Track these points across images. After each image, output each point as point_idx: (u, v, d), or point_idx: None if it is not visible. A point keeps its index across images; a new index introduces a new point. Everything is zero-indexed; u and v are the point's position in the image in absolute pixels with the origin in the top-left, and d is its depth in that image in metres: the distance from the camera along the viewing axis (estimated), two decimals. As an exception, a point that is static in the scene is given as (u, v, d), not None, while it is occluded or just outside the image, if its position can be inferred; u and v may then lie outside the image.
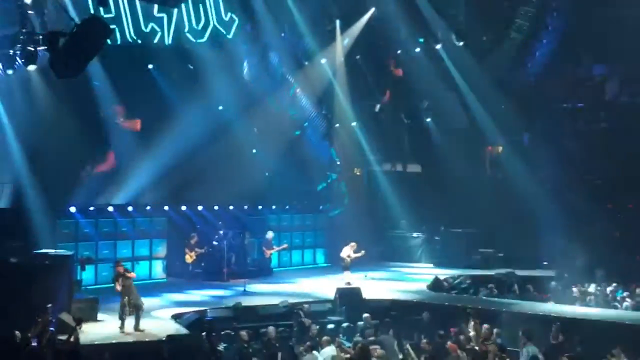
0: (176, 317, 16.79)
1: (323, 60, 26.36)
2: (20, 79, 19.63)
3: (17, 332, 12.30)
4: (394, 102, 27.90)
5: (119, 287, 15.43)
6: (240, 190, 24.37)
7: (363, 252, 21.42)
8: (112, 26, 17.67)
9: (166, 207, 23.47)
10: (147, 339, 14.85)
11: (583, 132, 27.51)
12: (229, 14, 23.56)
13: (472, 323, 15.37)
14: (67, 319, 14.54)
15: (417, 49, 26.08)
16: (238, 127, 24.42)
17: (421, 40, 25.94)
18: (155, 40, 22.33)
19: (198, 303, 18.96)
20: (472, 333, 15.14)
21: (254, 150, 25.81)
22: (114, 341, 14.56)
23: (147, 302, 16.39)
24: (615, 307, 18.73)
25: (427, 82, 26.86)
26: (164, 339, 14.51)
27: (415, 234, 27.73)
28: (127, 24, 21.66)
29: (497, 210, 25.70)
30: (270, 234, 24.47)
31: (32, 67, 17.79)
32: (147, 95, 22.71)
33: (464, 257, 25.75)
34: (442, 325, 15.89)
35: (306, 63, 26.25)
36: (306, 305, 17.76)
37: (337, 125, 28.05)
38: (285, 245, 25.34)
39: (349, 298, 18.78)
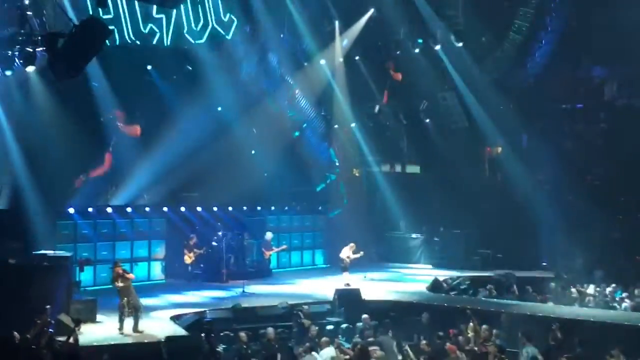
0: (175, 318, 16.75)
1: (322, 61, 26.36)
2: (19, 79, 19.61)
3: (15, 333, 12.26)
4: (393, 103, 27.86)
5: (119, 284, 15.41)
6: (239, 191, 24.33)
7: (362, 253, 21.39)
8: (111, 27, 17.69)
9: (165, 208, 23.44)
10: (146, 340, 14.85)
11: (582, 133, 27.49)
12: (228, 15, 23.55)
13: (471, 324, 15.38)
14: (66, 320, 14.53)
15: (417, 50, 26.06)
16: (237, 128, 24.41)
17: (420, 41, 25.91)
18: (154, 41, 22.30)
19: (197, 304, 18.95)
20: (471, 334, 15.15)
21: (253, 151, 25.76)
22: (112, 342, 14.53)
23: (146, 303, 16.37)
24: (614, 308, 18.77)
25: (426, 83, 26.87)
26: (163, 340, 14.52)
27: (414, 235, 27.68)
28: (126, 25, 21.62)
29: (496, 211, 25.74)
30: (269, 235, 24.40)
31: (30, 68, 17.82)
32: (146, 96, 22.75)
33: (463, 258, 25.79)
34: (441, 327, 15.92)
35: (305, 64, 26.23)
36: (305, 307, 17.76)
37: (336, 126, 28.06)
38: (284, 247, 25.30)
39: (348, 299, 18.74)
